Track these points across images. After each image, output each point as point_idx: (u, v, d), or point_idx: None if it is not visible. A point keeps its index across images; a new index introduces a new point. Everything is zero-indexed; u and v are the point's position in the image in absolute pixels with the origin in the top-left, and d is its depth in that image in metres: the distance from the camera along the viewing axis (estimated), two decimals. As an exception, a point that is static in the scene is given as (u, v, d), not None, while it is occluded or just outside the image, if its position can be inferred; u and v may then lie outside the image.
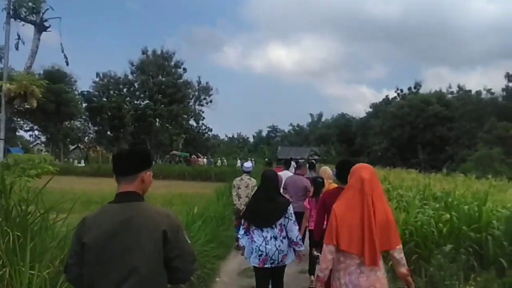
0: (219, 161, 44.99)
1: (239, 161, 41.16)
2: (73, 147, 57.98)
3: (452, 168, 36.02)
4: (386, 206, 3.20)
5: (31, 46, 5.37)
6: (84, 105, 49.31)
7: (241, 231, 4.61)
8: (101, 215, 2.09)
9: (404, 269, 3.17)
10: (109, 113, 50.56)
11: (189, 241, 2.21)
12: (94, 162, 40.84)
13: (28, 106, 5.26)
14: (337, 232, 3.08)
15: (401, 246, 3.21)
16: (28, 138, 56.22)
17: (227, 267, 7.27)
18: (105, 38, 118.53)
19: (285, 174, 8.67)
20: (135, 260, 1.98)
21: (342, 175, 3.96)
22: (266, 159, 22.37)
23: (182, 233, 2.14)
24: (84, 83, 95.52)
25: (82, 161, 41.48)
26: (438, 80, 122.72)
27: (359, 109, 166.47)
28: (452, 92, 64.11)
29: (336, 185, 4.85)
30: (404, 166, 42.67)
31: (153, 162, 2.60)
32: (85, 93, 50.46)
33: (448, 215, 7.28)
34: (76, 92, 49.56)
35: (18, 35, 6.16)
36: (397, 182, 16.32)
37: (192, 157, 46.37)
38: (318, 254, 4.09)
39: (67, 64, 6.09)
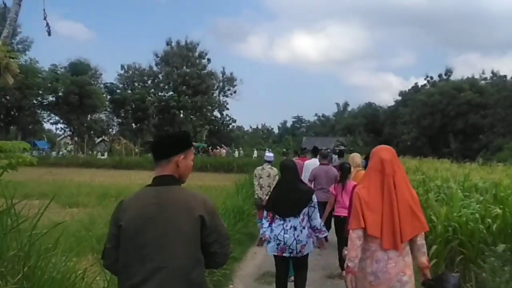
0: (236, 151, 44.50)
1: (255, 151, 41.52)
2: (98, 139, 58.55)
3: (486, 157, 34.28)
4: (411, 188, 3.09)
5: (10, 13, 4.62)
6: (107, 97, 49.29)
7: (265, 224, 4.52)
8: (137, 198, 2.06)
9: (424, 259, 3.05)
10: (133, 105, 50.44)
11: (224, 225, 2.20)
12: (117, 155, 40.83)
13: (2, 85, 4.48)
14: (363, 216, 2.93)
15: (426, 230, 3.10)
16: (54, 131, 56.69)
17: (243, 271, 6.47)
18: (131, 31, 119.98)
19: (314, 163, 8.61)
20: (172, 245, 1.95)
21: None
22: (284, 150, 21.96)
23: (218, 217, 2.14)
24: (110, 76, 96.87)
25: (106, 153, 41.57)
26: (468, 66, 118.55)
27: (386, 98, 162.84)
28: (485, 78, 61.54)
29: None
30: (434, 156, 41.32)
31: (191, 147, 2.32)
32: (108, 85, 50.47)
33: (498, 210, 6.24)
34: (101, 85, 49.67)
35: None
36: (431, 172, 15.15)
37: (216, 148, 45.99)
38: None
39: (49, 34, 5.32)
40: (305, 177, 7.86)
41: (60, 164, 32.86)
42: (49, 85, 41.71)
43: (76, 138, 54.39)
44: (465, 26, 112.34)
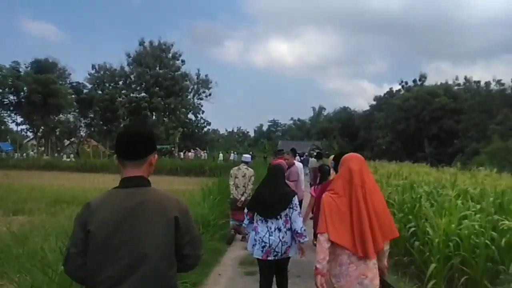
0: (202, 154, 43.52)
1: (221, 155, 41.09)
2: (67, 142, 56.17)
3: (462, 161, 34.12)
4: (381, 196, 3.13)
5: None
6: (73, 97, 46.73)
7: (246, 221, 4.62)
8: (108, 201, 1.92)
9: (385, 261, 3.22)
10: (101, 106, 48.26)
11: (196, 226, 2.14)
12: (84, 157, 38.90)
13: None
14: (327, 222, 2.97)
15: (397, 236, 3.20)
16: (20, 132, 53.97)
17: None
18: (104, 34, 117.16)
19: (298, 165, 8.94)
20: (146, 246, 1.87)
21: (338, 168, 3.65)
22: (264, 155, 21.55)
23: (191, 218, 2.08)
24: (80, 77, 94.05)
25: (71, 155, 39.50)
26: (440, 74, 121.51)
27: (360, 104, 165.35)
28: (458, 84, 62.35)
29: None
30: (409, 160, 41.26)
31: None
32: (75, 84, 48.05)
33: (507, 222, 5.27)
34: (68, 84, 47.16)
35: None
36: (414, 176, 14.32)
37: (189, 151, 44.75)
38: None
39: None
40: None
41: (20, 167, 30.92)
42: (10, 83, 39.15)
43: (42, 140, 52.12)
44: (437, 35, 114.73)
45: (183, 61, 65.43)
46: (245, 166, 8.58)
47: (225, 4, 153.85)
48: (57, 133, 48.38)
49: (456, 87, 60.79)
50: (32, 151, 48.06)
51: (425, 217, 6.64)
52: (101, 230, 1.85)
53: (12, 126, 50.36)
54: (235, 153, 43.32)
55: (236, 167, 8.72)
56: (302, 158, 27.90)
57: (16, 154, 42.06)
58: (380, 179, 13.57)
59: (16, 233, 7.45)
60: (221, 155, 40.50)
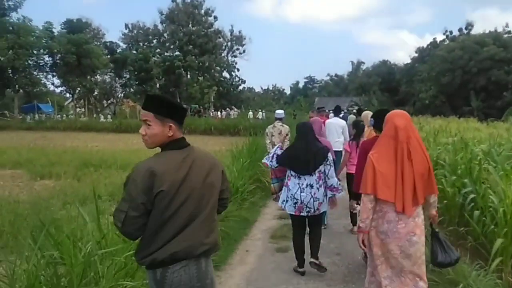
0: (232, 113, 42.85)
1: (250, 113, 40.87)
2: (106, 102, 56.74)
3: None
4: (425, 153, 3.09)
5: None
6: (107, 57, 46.40)
7: (273, 161, 4.53)
8: (170, 162, 2.12)
9: (434, 211, 3.32)
10: (135, 66, 47.85)
11: None
12: (122, 118, 39.15)
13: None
14: (373, 180, 3.01)
15: (436, 196, 3.27)
16: (60, 93, 54.75)
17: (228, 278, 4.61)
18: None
19: (336, 122, 8.76)
20: (207, 196, 2.20)
21: (379, 124, 3.61)
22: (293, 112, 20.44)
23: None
24: (114, 36, 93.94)
25: (109, 116, 39.83)
26: (487, 22, 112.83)
27: (401, 57, 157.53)
28: (509, 32, 57.54)
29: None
30: (454, 115, 39.17)
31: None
32: (108, 44, 47.65)
33: None
34: (101, 44, 46.83)
35: None
36: (464, 133, 13.06)
37: (221, 111, 44.05)
38: (356, 206, 4.56)
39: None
40: (328, 135, 7.81)
41: (57, 128, 31.41)
42: (44, 44, 39.24)
43: (82, 101, 52.88)
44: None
45: (215, 18, 64.01)
46: (280, 123, 8.46)
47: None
48: (94, 94, 48.77)
49: (506, 35, 56.25)
50: (71, 113, 48.95)
51: (485, 181, 5.70)
52: (170, 191, 2.06)
53: (52, 88, 51.18)
54: (263, 111, 42.67)
55: (271, 125, 8.58)
56: (341, 115, 26.58)
57: (56, 115, 42.86)
58: (426, 137, 12.50)
59: (34, 201, 7.08)
60: (250, 113, 40.18)
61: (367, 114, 6.72)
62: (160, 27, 62.22)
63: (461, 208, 6.07)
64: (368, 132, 6.02)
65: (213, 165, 2.27)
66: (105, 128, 30.56)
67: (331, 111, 13.22)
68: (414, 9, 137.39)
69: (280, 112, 8.90)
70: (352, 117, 12.16)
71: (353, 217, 5.94)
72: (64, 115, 43.07)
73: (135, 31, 61.26)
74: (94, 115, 45.84)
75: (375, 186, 3.01)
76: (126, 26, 61.40)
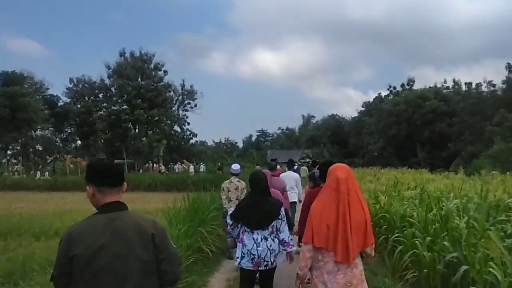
0: (191, 167, 42.36)
1: (192, 166, 41.34)
2: (50, 158, 53.24)
3: (461, 166, 32.41)
4: (364, 206, 3.22)
5: None
6: (47, 111, 43.53)
7: (235, 232, 4.46)
8: (89, 226, 2.08)
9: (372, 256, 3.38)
10: (77, 119, 45.40)
11: (174, 246, 2.29)
12: (62, 174, 36.37)
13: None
14: (314, 231, 3.13)
15: (373, 246, 3.31)
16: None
17: None
18: (86, 49, 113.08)
19: (289, 175, 9.33)
20: (129, 268, 2.02)
21: (323, 175, 3.90)
22: (219, 164, 20.63)
23: (167, 237, 2.22)
24: (59, 90, 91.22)
25: (46, 173, 36.85)
26: (424, 79, 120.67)
27: (347, 111, 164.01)
28: (447, 87, 60.98)
29: None
30: (402, 166, 39.74)
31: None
32: (48, 97, 45.16)
33: None
34: (41, 98, 44.19)
35: None
36: (427, 185, 12.34)
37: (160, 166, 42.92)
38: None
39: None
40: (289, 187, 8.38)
41: (-16, 188, 28.29)
42: (-26, 97, 36.40)
43: (20, 157, 49.39)
44: (419, 41, 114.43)
45: (165, 72, 63.17)
46: (236, 179, 8.40)
47: (208, 16, 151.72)
48: (31, 150, 45.52)
49: (445, 90, 59.50)
50: (11, 169, 45.21)
51: (474, 247, 4.61)
52: (84, 254, 1.97)
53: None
54: (203, 164, 43.97)
55: (227, 181, 8.47)
56: (295, 167, 25.93)
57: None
58: (386, 190, 11.65)
59: None
60: (192, 166, 40.71)
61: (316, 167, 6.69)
62: (107, 81, 60.61)
63: (445, 279, 4.92)
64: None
65: (139, 233, 2.09)
66: (39, 186, 27.84)
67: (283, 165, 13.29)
68: (357, 68, 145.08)
69: (236, 167, 8.62)
70: (304, 169, 11.93)
71: None
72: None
73: (80, 85, 59.16)
74: (32, 172, 42.51)
75: (313, 236, 3.11)
76: (71, 80, 59.19)
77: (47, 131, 48.01)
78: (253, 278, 4.49)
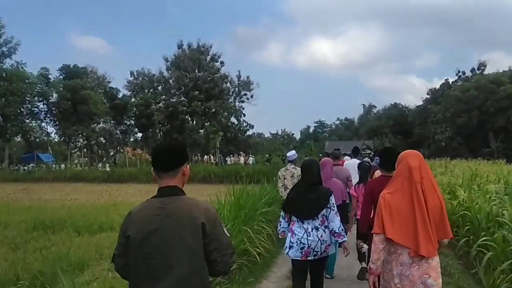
0: (250, 158, 42.37)
1: (242, 158, 41.59)
2: (113, 150, 55.02)
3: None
4: (438, 194, 3.02)
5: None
6: (107, 104, 44.49)
7: (283, 223, 4.39)
8: (144, 210, 2.13)
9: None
10: (135, 112, 46.17)
11: (227, 234, 2.23)
12: (122, 166, 37.14)
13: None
14: (385, 221, 2.95)
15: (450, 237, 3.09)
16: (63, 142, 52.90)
17: None
18: (148, 43, 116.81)
19: (353, 163, 8.72)
20: (177, 253, 2.03)
21: (384, 163, 3.90)
22: (335, 149, 19.73)
23: (220, 226, 2.16)
24: (121, 84, 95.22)
25: (107, 165, 37.81)
26: (494, 66, 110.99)
27: (410, 100, 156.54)
28: (524, 71, 55.72)
29: None
30: (472, 157, 36.91)
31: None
32: (108, 90, 46.29)
33: None
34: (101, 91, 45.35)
35: None
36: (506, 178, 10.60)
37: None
38: (362, 245, 4.54)
39: None
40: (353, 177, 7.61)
41: (46, 179, 29.31)
42: (38, 90, 37.85)
43: (84, 150, 51.35)
44: (488, 24, 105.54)
45: (222, 63, 63.25)
46: (292, 166, 8.25)
47: (265, 7, 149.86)
48: (93, 142, 46.97)
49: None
50: (76, 162, 47.19)
51: None
52: (137, 237, 2.03)
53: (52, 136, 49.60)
54: (253, 156, 44.46)
55: (283, 168, 8.48)
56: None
57: (56, 165, 41.01)
58: (463, 183, 10.11)
59: None
60: (242, 158, 41.34)
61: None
62: (165, 73, 61.63)
63: None
64: (377, 173, 5.80)
65: (190, 220, 2.04)
66: (97, 178, 28.40)
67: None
68: (420, 54, 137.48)
69: (292, 154, 8.52)
70: (367, 160, 10.60)
71: (360, 255, 5.81)
72: (62, 165, 41.19)
73: (140, 78, 60.59)
74: (94, 163, 43.97)
75: (385, 226, 2.94)
76: (131, 73, 60.89)
77: (108, 124, 49.40)
78: (305, 269, 4.33)
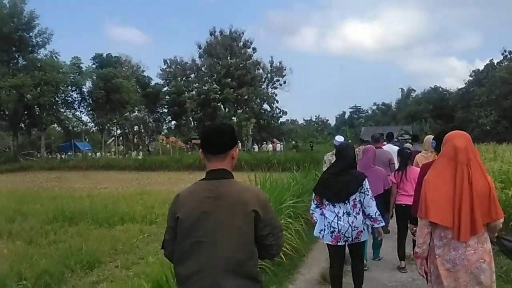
0: (278, 145, 42.15)
1: (270, 145, 41.10)
2: (149, 138, 55.56)
3: None
4: (486, 176, 2.90)
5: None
6: (139, 92, 44.52)
7: (313, 206, 4.36)
8: (193, 192, 2.12)
9: (495, 234, 3.09)
10: (167, 99, 46.16)
11: (276, 217, 2.22)
12: (155, 154, 37.25)
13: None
14: (429, 205, 2.88)
15: (502, 219, 2.92)
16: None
17: None
18: (181, 31, 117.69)
19: (389, 148, 8.25)
20: (226, 238, 1.99)
21: (440, 146, 3.43)
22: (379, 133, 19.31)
23: (271, 210, 2.17)
24: (153, 72, 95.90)
25: (141, 153, 38.04)
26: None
27: (450, 83, 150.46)
28: None
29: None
30: None
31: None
32: (140, 78, 46.40)
33: None
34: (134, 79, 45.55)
35: None
36: None
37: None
38: (416, 230, 3.86)
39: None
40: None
41: (80, 168, 29.66)
42: (72, 80, 38.36)
43: (120, 138, 52.10)
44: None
45: (254, 49, 62.56)
46: None
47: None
48: (127, 130, 47.49)
49: None
50: (113, 150, 47.85)
51: None
52: (186, 220, 2.01)
53: (88, 125, 50.40)
54: (281, 143, 44.68)
55: (330, 153, 8.48)
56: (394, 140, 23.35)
57: (93, 154, 41.71)
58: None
59: None
60: (270, 146, 41.27)
61: (429, 138, 6.15)
62: (198, 61, 61.52)
63: None
64: (425, 158, 5.97)
65: (241, 205, 2.02)
66: (128, 166, 28.39)
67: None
68: (461, 36, 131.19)
69: (339, 138, 8.28)
70: (408, 146, 10.29)
71: (402, 251, 5.75)
72: (98, 153, 41.83)
73: (173, 67, 60.73)
74: (129, 151, 44.42)
75: (428, 210, 2.88)
76: (165, 61, 61.12)
77: (141, 112, 49.67)
78: (339, 254, 4.27)
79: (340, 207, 4.08)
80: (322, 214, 4.22)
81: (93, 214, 9.71)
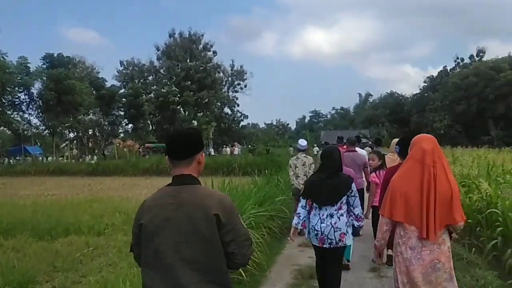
0: (236, 149, 42.48)
1: (228, 149, 41.10)
2: (105, 142, 53.51)
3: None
4: (451, 179, 2.98)
5: None
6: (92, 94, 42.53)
7: (303, 213, 4.26)
8: (157, 198, 2.08)
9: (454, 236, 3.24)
10: (124, 102, 44.59)
11: (243, 224, 2.16)
12: (111, 158, 35.73)
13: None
14: (392, 204, 3.00)
15: (463, 222, 3.01)
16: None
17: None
18: (139, 33, 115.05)
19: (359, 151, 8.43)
20: (189, 241, 1.94)
21: (405, 151, 3.47)
22: (338, 137, 19.36)
23: (236, 216, 2.09)
24: (109, 74, 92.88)
25: (95, 157, 36.36)
26: (490, 55, 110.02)
27: (405, 89, 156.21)
28: (523, 57, 54.53)
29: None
30: (471, 145, 36.06)
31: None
32: (94, 80, 44.54)
33: None
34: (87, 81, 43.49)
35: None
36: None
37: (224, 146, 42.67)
38: None
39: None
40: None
41: (28, 173, 27.79)
42: (19, 80, 36.13)
43: (75, 142, 49.96)
44: (483, 13, 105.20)
45: (214, 52, 61.83)
46: (303, 154, 8.40)
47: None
48: (79, 133, 45.43)
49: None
50: (67, 154, 45.60)
51: None
52: (149, 226, 1.96)
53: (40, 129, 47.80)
54: (239, 147, 44.52)
55: (294, 157, 8.52)
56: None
57: (43, 158, 39.53)
58: (477, 173, 9.00)
59: None
60: (227, 149, 41.30)
61: (395, 141, 5.87)
62: (156, 63, 60.10)
63: None
64: (392, 160, 6.09)
65: (203, 210, 1.95)
66: (80, 171, 26.82)
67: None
68: (415, 44, 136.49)
69: (302, 143, 8.57)
70: (368, 150, 10.69)
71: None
72: (50, 158, 39.70)
73: (130, 68, 58.99)
74: (83, 156, 42.49)
75: (393, 209, 2.98)
76: (121, 63, 59.27)
77: (96, 115, 47.67)
78: (322, 256, 4.29)
79: (326, 209, 4.11)
80: (308, 218, 4.27)
81: (34, 225, 8.73)
